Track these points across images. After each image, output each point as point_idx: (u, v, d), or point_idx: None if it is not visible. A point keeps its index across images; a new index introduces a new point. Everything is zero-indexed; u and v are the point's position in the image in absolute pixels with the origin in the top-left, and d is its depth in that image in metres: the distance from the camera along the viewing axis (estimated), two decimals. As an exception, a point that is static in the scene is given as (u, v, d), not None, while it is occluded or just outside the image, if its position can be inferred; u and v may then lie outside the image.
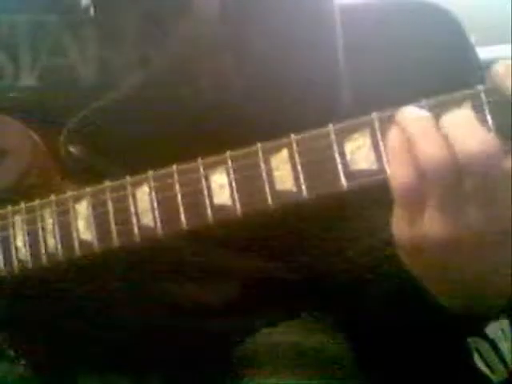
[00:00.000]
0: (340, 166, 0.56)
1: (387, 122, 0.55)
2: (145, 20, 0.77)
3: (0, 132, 0.75)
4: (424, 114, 0.53)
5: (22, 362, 0.78)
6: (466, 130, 0.50)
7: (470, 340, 0.66)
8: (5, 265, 0.71)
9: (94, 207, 0.66)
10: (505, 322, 0.63)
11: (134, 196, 0.64)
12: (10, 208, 0.71)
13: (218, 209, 0.61)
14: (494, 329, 0.64)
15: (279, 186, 0.59)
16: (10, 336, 0.78)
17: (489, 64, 0.53)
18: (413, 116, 0.53)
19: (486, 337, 0.65)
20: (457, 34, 0.95)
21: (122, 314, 0.75)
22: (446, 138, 0.51)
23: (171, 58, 0.75)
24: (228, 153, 0.61)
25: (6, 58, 0.79)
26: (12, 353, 0.78)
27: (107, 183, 0.66)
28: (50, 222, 0.68)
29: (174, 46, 0.75)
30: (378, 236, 0.71)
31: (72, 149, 0.72)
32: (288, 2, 0.79)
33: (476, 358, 0.66)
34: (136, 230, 0.64)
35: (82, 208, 0.67)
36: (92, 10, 0.76)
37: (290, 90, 0.76)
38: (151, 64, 0.75)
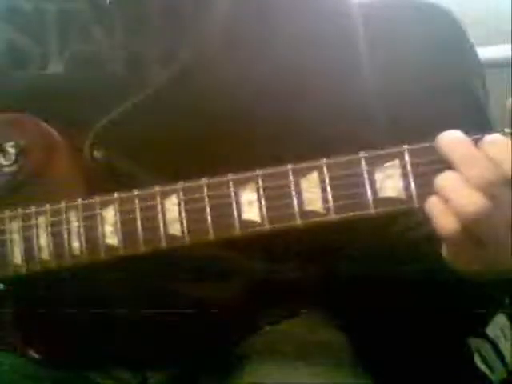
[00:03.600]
0: (369, 193, 0.59)
1: (417, 153, 0.58)
2: (165, 11, 0.78)
3: (21, 129, 0.75)
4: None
5: (31, 354, 0.79)
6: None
7: (470, 340, 0.69)
8: (27, 264, 0.72)
9: (121, 214, 0.68)
10: (504, 322, 0.66)
11: (162, 205, 0.67)
12: (33, 208, 0.72)
13: (246, 224, 0.64)
14: (493, 329, 0.67)
15: (308, 207, 0.62)
16: (19, 329, 0.79)
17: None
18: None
19: (486, 337, 0.68)
20: (457, 33, 0.96)
21: (124, 311, 0.76)
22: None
23: (193, 58, 0.75)
24: (259, 171, 0.63)
25: (33, 44, 0.79)
26: (20, 346, 0.79)
27: (135, 191, 0.68)
28: (75, 224, 0.70)
29: (194, 44, 0.76)
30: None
31: (97, 154, 0.73)
32: (304, 2, 0.81)
33: (476, 357, 0.69)
34: (163, 238, 0.67)
35: (109, 214, 0.68)
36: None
37: (306, 89, 0.78)
38: (174, 63, 0.75)
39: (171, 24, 0.78)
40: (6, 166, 0.75)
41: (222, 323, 0.79)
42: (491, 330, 0.69)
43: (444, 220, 0.57)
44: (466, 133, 0.57)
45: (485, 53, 1.05)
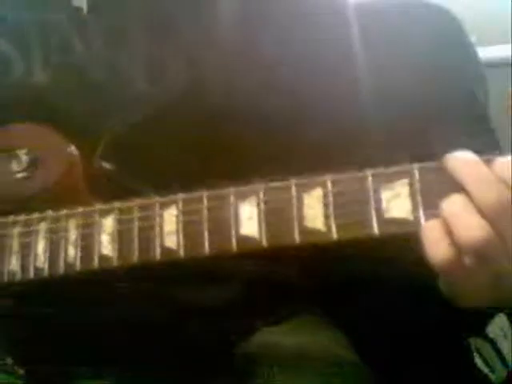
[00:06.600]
0: (374, 213, 0.55)
1: (427, 173, 0.54)
2: (149, 22, 0.78)
3: (36, 141, 0.75)
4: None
5: (20, 372, 0.76)
6: None
7: (470, 340, 0.66)
8: (22, 271, 0.70)
9: (119, 223, 0.65)
10: (504, 322, 0.63)
11: (161, 216, 0.64)
12: (36, 215, 0.70)
13: (244, 239, 0.60)
14: (493, 329, 0.64)
15: (308, 224, 0.58)
16: (9, 346, 0.76)
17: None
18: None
19: (486, 337, 0.65)
20: (456, 33, 0.93)
21: (123, 314, 0.74)
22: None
23: (202, 71, 0.74)
24: (262, 185, 0.60)
25: (16, 52, 0.79)
26: (10, 362, 0.76)
27: (136, 200, 0.65)
28: (73, 232, 0.68)
29: (199, 57, 0.75)
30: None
31: (106, 165, 0.72)
32: (300, 7, 0.79)
33: (476, 357, 0.66)
34: (158, 250, 0.63)
35: (108, 223, 0.66)
36: (85, 9, 0.77)
37: (303, 97, 0.76)
38: (181, 74, 0.74)
39: (157, 35, 0.77)
40: (17, 171, 0.74)
41: (221, 324, 0.76)
42: (491, 330, 0.66)
43: (438, 247, 0.54)
44: (477, 154, 0.54)
45: (485, 53, 1.02)
